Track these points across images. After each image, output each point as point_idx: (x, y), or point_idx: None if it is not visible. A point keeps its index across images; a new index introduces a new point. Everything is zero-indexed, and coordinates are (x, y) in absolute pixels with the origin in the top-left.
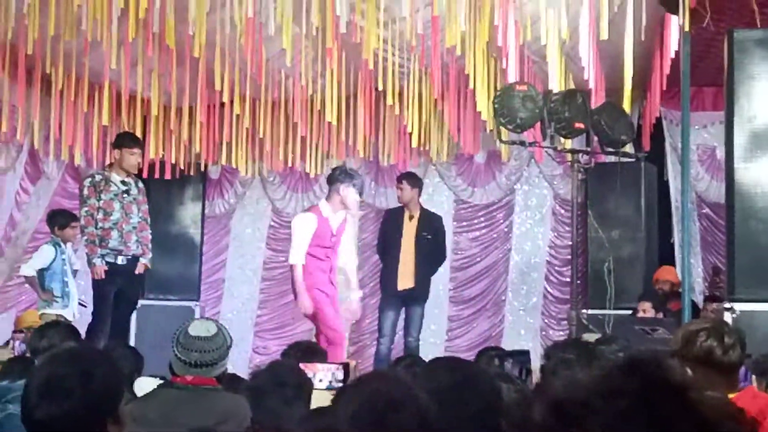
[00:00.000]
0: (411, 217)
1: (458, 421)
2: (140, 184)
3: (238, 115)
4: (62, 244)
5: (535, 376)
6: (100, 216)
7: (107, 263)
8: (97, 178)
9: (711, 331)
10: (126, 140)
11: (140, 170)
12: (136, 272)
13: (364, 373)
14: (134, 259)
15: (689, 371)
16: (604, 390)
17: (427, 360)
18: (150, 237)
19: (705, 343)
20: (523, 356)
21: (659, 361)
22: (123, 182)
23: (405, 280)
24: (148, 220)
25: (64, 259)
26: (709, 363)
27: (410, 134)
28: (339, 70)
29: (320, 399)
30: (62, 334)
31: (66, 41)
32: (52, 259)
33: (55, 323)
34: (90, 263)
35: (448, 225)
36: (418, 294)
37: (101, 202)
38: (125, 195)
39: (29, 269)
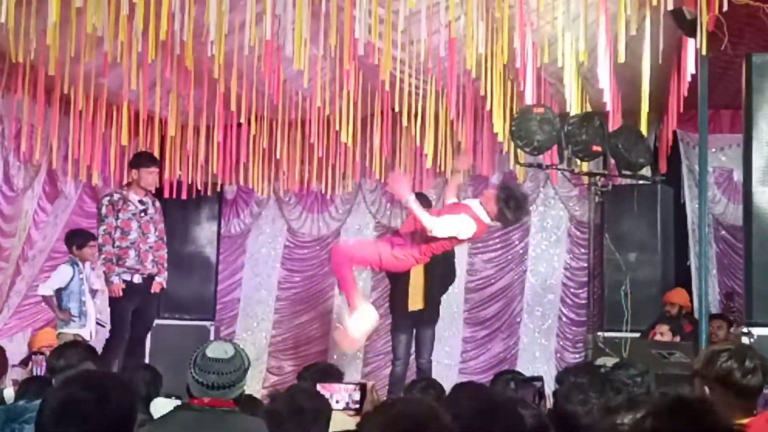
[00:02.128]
0: None
1: None
2: (157, 204)
3: (254, 136)
4: (80, 263)
5: (548, 401)
6: (117, 235)
7: (124, 282)
8: (116, 197)
9: (733, 353)
10: (144, 160)
11: (157, 189)
12: (152, 291)
13: (389, 397)
14: (150, 279)
15: (707, 390)
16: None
17: (441, 381)
18: (166, 256)
19: (725, 364)
20: (537, 381)
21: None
22: (141, 201)
23: (415, 301)
24: (164, 239)
25: (81, 279)
26: (727, 384)
27: (426, 155)
28: (356, 91)
29: (337, 420)
30: (80, 354)
31: (85, 62)
32: (69, 279)
33: (75, 343)
34: (107, 281)
35: (463, 246)
36: (429, 315)
37: (119, 221)
38: (143, 214)
39: (47, 289)
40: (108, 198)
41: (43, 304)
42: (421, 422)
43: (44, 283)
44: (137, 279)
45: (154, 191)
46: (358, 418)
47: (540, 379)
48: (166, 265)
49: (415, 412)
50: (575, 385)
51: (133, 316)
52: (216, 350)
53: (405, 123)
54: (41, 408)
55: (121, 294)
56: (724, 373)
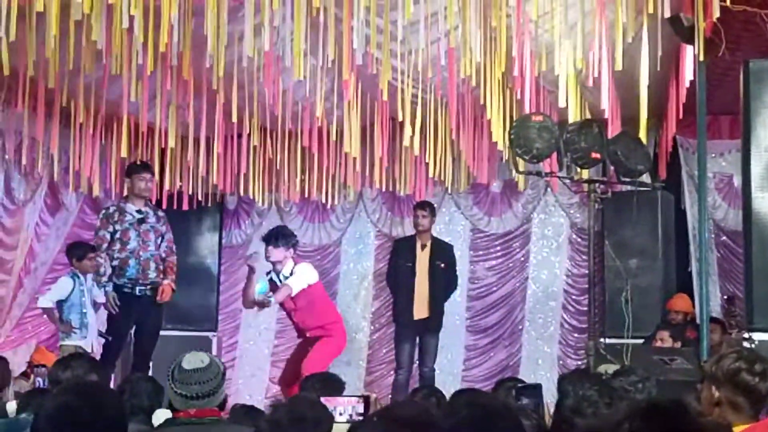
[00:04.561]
0: (423, 246)
1: None
2: (160, 213)
3: (255, 146)
4: (81, 275)
5: (548, 409)
6: (117, 246)
7: (124, 294)
8: (111, 209)
9: (741, 355)
10: (135, 167)
11: (158, 201)
12: (159, 296)
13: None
14: (154, 289)
15: (714, 390)
16: None
17: (443, 390)
18: (175, 262)
19: (733, 365)
20: (534, 390)
21: (681, 408)
22: (138, 211)
23: (420, 309)
24: (173, 248)
25: (82, 291)
26: (736, 383)
27: (427, 164)
28: (355, 101)
29: None
30: (85, 366)
31: (85, 75)
32: (70, 291)
33: (78, 355)
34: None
35: (465, 254)
36: (433, 324)
37: (118, 233)
38: (141, 223)
39: (46, 301)
40: (104, 212)
41: (44, 316)
42: (417, 428)
43: (44, 295)
44: (138, 291)
45: (152, 199)
46: None
47: (539, 387)
48: (175, 269)
49: (411, 416)
50: (584, 398)
51: (136, 329)
52: (192, 361)
53: (408, 133)
54: (37, 417)
55: (116, 305)
56: (733, 372)
